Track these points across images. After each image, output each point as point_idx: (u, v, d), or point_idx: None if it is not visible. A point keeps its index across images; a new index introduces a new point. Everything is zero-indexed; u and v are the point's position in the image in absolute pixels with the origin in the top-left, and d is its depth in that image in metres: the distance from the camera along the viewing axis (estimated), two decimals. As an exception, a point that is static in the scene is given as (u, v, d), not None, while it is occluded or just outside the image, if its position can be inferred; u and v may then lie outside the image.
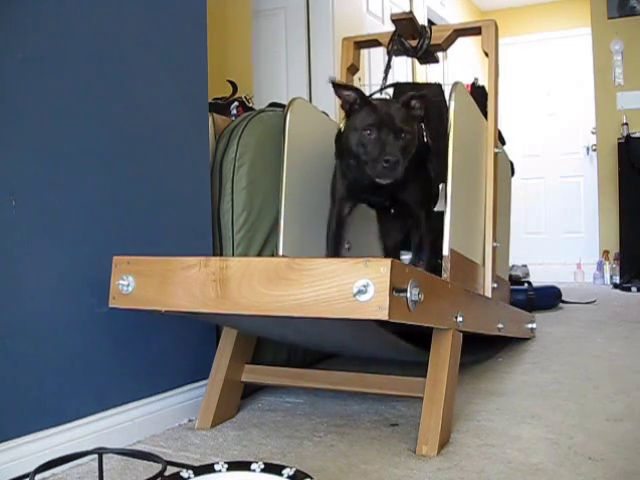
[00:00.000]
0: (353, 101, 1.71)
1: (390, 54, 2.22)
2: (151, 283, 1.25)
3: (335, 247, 1.87)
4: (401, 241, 2.13)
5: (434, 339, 1.40)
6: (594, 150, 5.40)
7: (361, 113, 1.69)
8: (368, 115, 1.67)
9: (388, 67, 2.19)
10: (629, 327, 2.90)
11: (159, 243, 1.52)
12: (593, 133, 5.38)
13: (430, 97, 1.90)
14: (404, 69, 4.71)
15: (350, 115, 1.72)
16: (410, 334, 1.44)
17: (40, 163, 1.25)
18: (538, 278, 4.65)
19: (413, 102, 1.71)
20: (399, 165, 1.63)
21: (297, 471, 0.96)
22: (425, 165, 1.90)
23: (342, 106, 1.74)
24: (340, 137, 1.82)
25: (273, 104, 2.22)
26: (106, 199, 1.39)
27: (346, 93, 1.72)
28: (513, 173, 2.76)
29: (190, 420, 1.57)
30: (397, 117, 1.67)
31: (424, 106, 1.74)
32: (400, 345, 1.50)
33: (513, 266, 4.78)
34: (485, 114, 2.10)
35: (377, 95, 2.05)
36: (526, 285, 3.59)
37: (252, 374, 1.62)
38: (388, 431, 1.48)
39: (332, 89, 1.73)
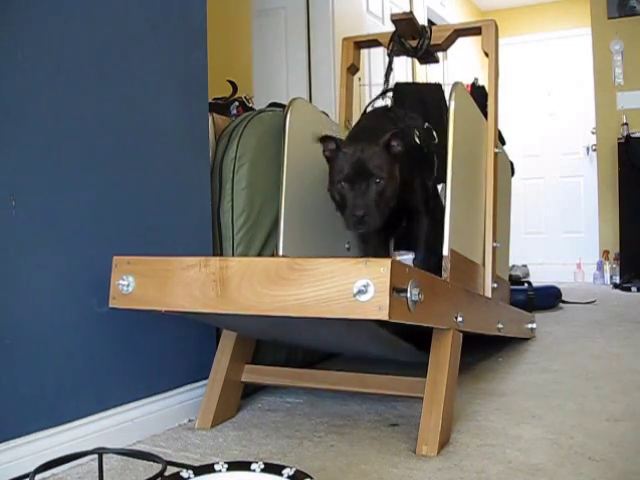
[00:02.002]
0: (332, 149, 1.75)
1: (391, 55, 2.22)
2: (151, 283, 1.25)
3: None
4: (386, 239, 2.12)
5: (434, 339, 1.40)
6: (594, 150, 5.40)
7: (337, 162, 1.72)
8: (342, 165, 1.70)
9: (389, 69, 2.19)
10: (629, 327, 2.90)
11: (159, 243, 1.52)
12: (593, 133, 5.38)
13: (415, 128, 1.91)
14: (404, 69, 4.71)
15: (330, 162, 1.75)
16: (410, 334, 1.44)
17: (40, 163, 1.25)
18: (538, 278, 4.65)
19: (393, 142, 1.72)
20: (370, 217, 1.66)
21: (297, 471, 0.96)
22: (422, 164, 1.90)
23: (324, 153, 1.77)
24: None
25: (273, 104, 2.22)
26: (106, 199, 1.39)
27: (328, 145, 1.76)
28: (513, 173, 2.76)
29: (190, 420, 1.57)
30: (370, 163, 1.68)
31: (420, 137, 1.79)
32: (400, 345, 1.50)
33: (513, 266, 4.78)
34: (485, 114, 2.10)
35: (379, 101, 2.06)
36: (526, 285, 3.58)
37: (252, 374, 1.62)
38: (388, 431, 1.48)
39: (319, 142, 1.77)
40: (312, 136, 1.78)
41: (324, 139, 1.77)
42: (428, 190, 1.97)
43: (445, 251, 1.69)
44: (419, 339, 1.48)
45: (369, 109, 2.14)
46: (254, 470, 0.98)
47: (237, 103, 2.35)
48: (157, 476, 0.96)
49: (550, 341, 2.59)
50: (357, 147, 1.72)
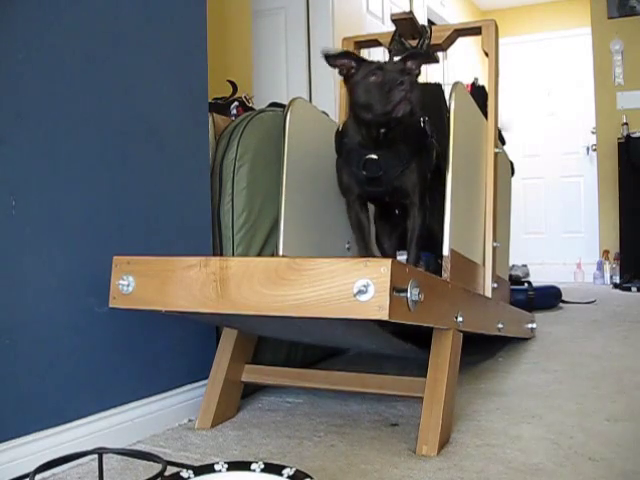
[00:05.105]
0: (350, 66, 1.72)
1: (391, 53, 2.22)
2: (151, 283, 1.25)
3: (366, 245, 1.88)
4: (398, 243, 2.12)
5: (434, 339, 1.40)
6: (594, 150, 5.40)
7: (361, 70, 1.69)
8: (368, 67, 1.68)
9: None
10: (629, 327, 2.90)
11: (159, 243, 1.52)
12: (593, 133, 5.38)
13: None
14: (404, 69, 4.71)
15: (349, 79, 1.72)
16: (411, 333, 1.44)
17: (40, 163, 1.25)
18: (538, 278, 4.65)
19: (409, 63, 1.72)
20: (413, 93, 1.62)
21: (297, 471, 0.96)
22: (422, 151, 1.88)
23: (340, 73, 1.74)
24: (339, 134, 1.82)
25: (273, 104, 2.22)
26: (106, 199, 1.39)
27: (340, 62, 1.73)
28: (513, 173, 2.76)
29: (190, 420, 1.57)
30: (396, 65, 1.70)
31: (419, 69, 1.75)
32: (401, 344, 1.50)
33: (513, 266, 4.78)
34: (485, 114, 2.10)
35: None
36: (526, 285, 3.58)
37: (252, 374, 1.62)
38: (388, 431, 1.48)
39: (326, 61, 1.74)
40: (321, 53, 1.74)
41: (334, 57, 1.73)
42: (426, 181, 1.90)
43: (445, 251, 1.69)
44: (419, 338, 1.48)
45: None
46: (254, 470, 0.98)
47: (237, 103, 2.35)
48: (157, 476, 0.96)
49: (550, 341, 2.59)
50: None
